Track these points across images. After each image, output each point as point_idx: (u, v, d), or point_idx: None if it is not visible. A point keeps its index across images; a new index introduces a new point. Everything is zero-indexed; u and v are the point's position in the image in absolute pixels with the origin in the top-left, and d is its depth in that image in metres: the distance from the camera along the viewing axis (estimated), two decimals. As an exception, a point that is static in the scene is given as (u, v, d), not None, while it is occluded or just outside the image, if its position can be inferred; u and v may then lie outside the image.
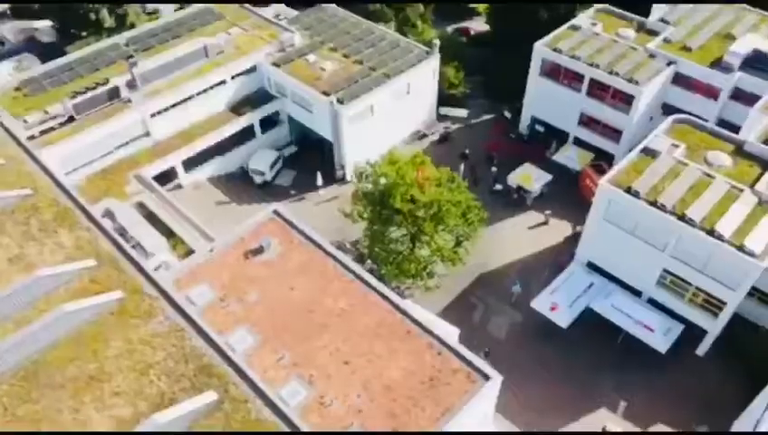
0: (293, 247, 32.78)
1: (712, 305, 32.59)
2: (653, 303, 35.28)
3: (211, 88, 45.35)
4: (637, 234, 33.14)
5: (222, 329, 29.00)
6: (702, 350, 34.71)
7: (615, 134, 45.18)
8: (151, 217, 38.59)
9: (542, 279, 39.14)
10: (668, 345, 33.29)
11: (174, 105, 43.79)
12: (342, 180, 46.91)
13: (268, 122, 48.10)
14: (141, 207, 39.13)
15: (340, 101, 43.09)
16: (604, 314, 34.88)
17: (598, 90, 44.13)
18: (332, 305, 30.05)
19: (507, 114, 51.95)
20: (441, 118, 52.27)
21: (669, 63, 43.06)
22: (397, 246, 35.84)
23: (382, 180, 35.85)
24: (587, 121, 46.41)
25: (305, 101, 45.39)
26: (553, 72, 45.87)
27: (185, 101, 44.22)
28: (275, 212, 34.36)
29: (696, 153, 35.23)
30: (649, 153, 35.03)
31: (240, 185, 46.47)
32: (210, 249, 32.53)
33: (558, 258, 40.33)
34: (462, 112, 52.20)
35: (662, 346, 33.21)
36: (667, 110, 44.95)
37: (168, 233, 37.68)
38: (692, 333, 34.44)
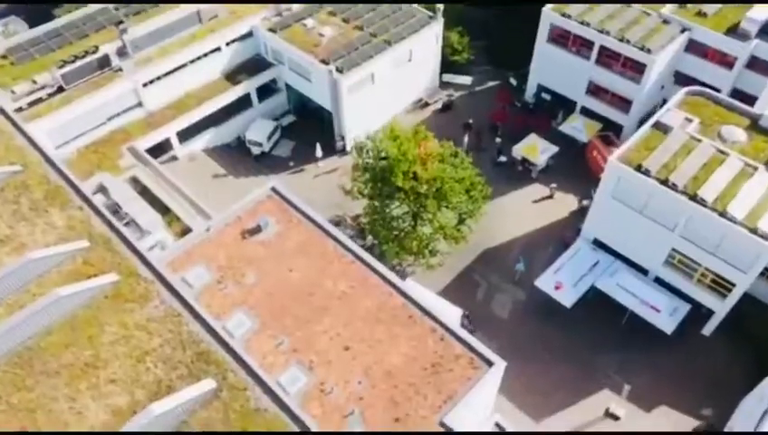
0: (292, 226, 31.86)
1: (721, 287, 31.86)
2: (659, 281, 34.56)
3: (205, 55, 43.62)
4: (646, 213, 32.15)
5: (219, 313, 28.39)
6: (708, 329, 34.16)
7: (624, 104, 43.61)
8: (146, 192, 37.55)
9: (546, 256, 38.40)
10: (674, 326, 32.72)
11: (167, 74, 42.17)
12: (342, 151, 45.60)
13: (265, 90, 46.49)
14: (135, 181, 38.02)
15: (340, 70, 41.41)
16: (609, 293, 34.21)
17: (607, 57, 42.37)
18: (332, 288, 29.32)
19: (513, 81, 50.19)
20: (444, 85, 50.51)
21: (683, 30, 41.16)
22: (398, 223, 34.87)
23: (383, 155, 34.64)
24: (595, 90, 44.76)
25: (303, 70, 43.70)
26: (561, 38, 43.99)
27: (178, 69, 42.56)
28: (273, 189, 33.31)
29: (710, 128, 33.88)
30: (661, 128, 33.70)
31: (237, 156, 45.19)
32: (206, 228, 31.61)
33: (563, 234, 39.46)
34: (466, 80, 50.42)
35: (668, 327, 32.64)
36: (679, 78, 43.38)
37: (164, 209, 36.70)
38: (698, 312, 33.85)
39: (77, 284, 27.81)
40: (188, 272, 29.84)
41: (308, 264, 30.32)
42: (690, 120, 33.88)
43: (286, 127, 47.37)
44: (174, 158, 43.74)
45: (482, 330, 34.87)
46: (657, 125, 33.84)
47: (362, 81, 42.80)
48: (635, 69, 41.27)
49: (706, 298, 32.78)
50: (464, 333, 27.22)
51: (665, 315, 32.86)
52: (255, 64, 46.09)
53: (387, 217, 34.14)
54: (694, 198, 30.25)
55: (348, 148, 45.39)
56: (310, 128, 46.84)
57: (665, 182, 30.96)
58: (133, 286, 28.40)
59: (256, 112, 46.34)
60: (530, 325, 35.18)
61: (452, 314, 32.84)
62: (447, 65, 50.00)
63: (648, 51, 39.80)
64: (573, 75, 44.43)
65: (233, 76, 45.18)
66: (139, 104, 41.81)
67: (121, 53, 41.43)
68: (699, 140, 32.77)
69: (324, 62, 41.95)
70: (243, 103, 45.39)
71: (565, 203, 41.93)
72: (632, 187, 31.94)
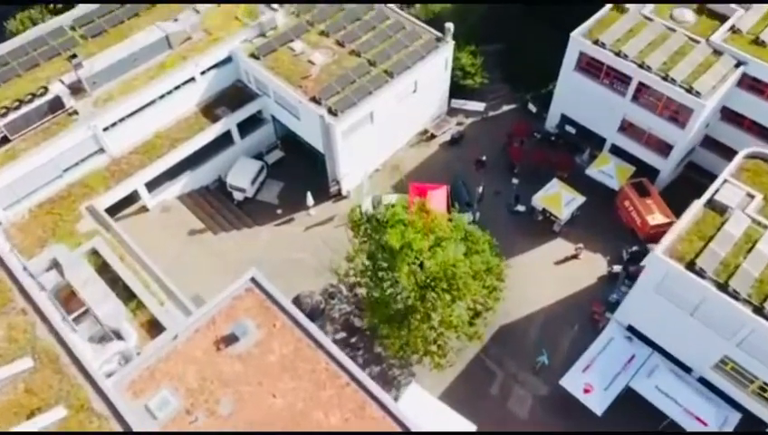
0: (275, 333, 26.88)
1: (782, 404, 27.13)
2: (703, 381, 29.75)
3: (177, 88, 37.42)
4: (696, 315, 26.98)
5: (189, 457, 23.72)
6: (760, 440, 29.57)
7: (663, 146, 37.66)
8: (107, 268, 32.26)
9: (571, 337, 33.54)
10: (723, 442, 28.16)
11: (132, 113, 36.14)
12: (337, 196, 39.98)
13: (248, 123, 40.40)
14: (95, 254, 32.67)
15: (333, 112, 35.35)
16: (647, 397, 29.46)
17: (647, 95, 36.20)
18: (323, 422, 24.66)
19: (532, 107, 43.93)
20: (453, 111, 44.27)
21: (738, 64, 34.81)
22: (401, 313, 29.57)
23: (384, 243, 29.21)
24: (629, 129, 38.71)
25: (291, 107, 37.60)
26: (592, 67, 37.62)
27: (145, 107, 36.49)
28: (253, 280, 28.15)
29: (775, 205, 28.34)
30: (717, 208, 28.08)
31: (216, 203, 39.58)
32: (174, 336, 26.64)
33: (591, 309, 34.40)
34: (478, 106, 44.09)
35: (716, 444, 28.10)
36: (727, 114, 37.31)
37: (128, 291, 31.51)
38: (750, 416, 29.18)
39: (15, 429, 23.19)
40: (152, 398, 25.06)
41: (294, 387, 25.52)
42: (752, 197, 28.27)
43: (273, 164, 41.53)
44: (144, 208, 38.25)
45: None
46: (713, 204, 28.23)
47: (359, 122, 36.79)
48: (679, 112, 35.16)
49: (764, 412, 27.99)
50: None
51: (712, 428, 28.20)
52: (236, 94, 39.90)
53: (388, 312, 28.93)
54: (760, 310, 25.02)
55: (344, 192, 39.81)
56: (300, 165, 41.05)
57: (724, 287, 25.65)
58: (84, 425, 23.76)
59: (239, 150, 40.47)
60: (552, 429, 30.55)
61: (465, 429, 28.23)
62: (457, 88, 43.64)
63: (697, 94, 33.60)
64: (604, 110, 38.29)
65: (210, 109, 39.08)
66: (101, 150, 36.02)
67: (76, 90, 35.37)
68: (765, 226, 27.25)
69: (315, 100, 35.85)
70: (223, 140, 39.44)
71: (592, 266, 36.58)
72: (682, 287, 26.64)
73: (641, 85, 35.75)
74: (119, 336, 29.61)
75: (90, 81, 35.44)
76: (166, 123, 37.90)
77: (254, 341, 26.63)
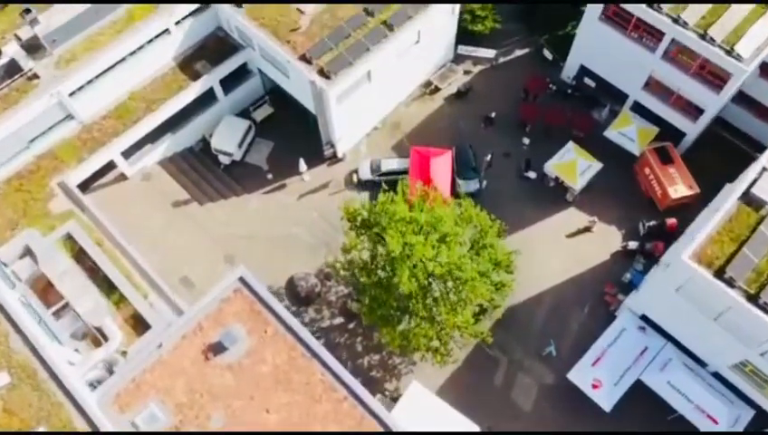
0: (267, 341, 25.15)
1: (801, 411, 25.91)
2: (717, 375, 28.47)
3: (149, 42, 33.14)
4: (720, 322, 25.07)
5: (180, 480, 22.75)
6: (771, 434, 28.78)
7: (692, 109, 34.03)
8: (85, 255, 29.92)
9: (580, 320, 31.91)
10: (734, 441, 27.31)
11: (100, 74, 32.21)
12: (332, 159, 36.83)
13: (233, 76, 36.34)
14: (71, 239, 30.19)
15: (326, 75, 31.41)
16: (658, 391, 28.28)
17: (680, 54, 32.06)
18: (320, 440, 23.46)
19: (547, 54, 39.52)
20: (459, 58, 39.85)
21: (787, 18, 30.51)
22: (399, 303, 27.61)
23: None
24: (655, 87, 34.83)
25: (279, 64, 33.52)
26: (619, 18, 33.14)
27: (114, 66, 32.47)
28: (242, 280, 25.97)
29: (817, 198, 25.52)
30: (753, 203, 25.33)
31: (201, 167, 36.49)
32: (158, 344, 24.89)
33: (603, 289, 32.51)
34: (488, 53, 39.60)
35: (726, 443, 27.25)
36: (766, 70, 33.29)
37: (108, 282, 29.37)
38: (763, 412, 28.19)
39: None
40: (139, 413, 23.73)
41: (289, 401, 24.17)
42: (792, 190, 25.44)
43: (262, 121, 37.92)
44: (122, 176, 35.28)
45: (500, 427, 29.52)
46: (748, 198, 25.41)
47: (355, 84, 32.89)
48: (716, 75, 31.28)
49: (779, 414, 26.97)
50: None
51: (723, 427, 27.24)
52: (217, 44, 35.55)
53: (386, 312, 26.94)
54: (792, 326, 23.08)
55: (339, 154, 36.65)
56: (291, 122, 37.47)
57: (754, 299, 23.52)
58: (68, 449, 22.61)
59: (223, 107, 36.77)
60: (558, 422, 29.63)
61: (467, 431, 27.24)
62: (464, 33, 38.97)
63: (738, 57, 29.62)
64: (629, 65, 34.20)
65: (189, 64, 34.93)
66: (69, 117, 32.49)
67: (34, 49, 31.21)
68: (804, 226, 24.67)
69: (305, 59, 31.77)
70: (205, 98, 35.65)
71: (606, 240, 34.21)
72: (707, 293, 24.50)
73: (674, 42, 31.56)
74: (102, 333, 27.94)
75: (48, 38, 31.22)
76: (140, 82, 33.97)
77: (244, 349, 24.94)
